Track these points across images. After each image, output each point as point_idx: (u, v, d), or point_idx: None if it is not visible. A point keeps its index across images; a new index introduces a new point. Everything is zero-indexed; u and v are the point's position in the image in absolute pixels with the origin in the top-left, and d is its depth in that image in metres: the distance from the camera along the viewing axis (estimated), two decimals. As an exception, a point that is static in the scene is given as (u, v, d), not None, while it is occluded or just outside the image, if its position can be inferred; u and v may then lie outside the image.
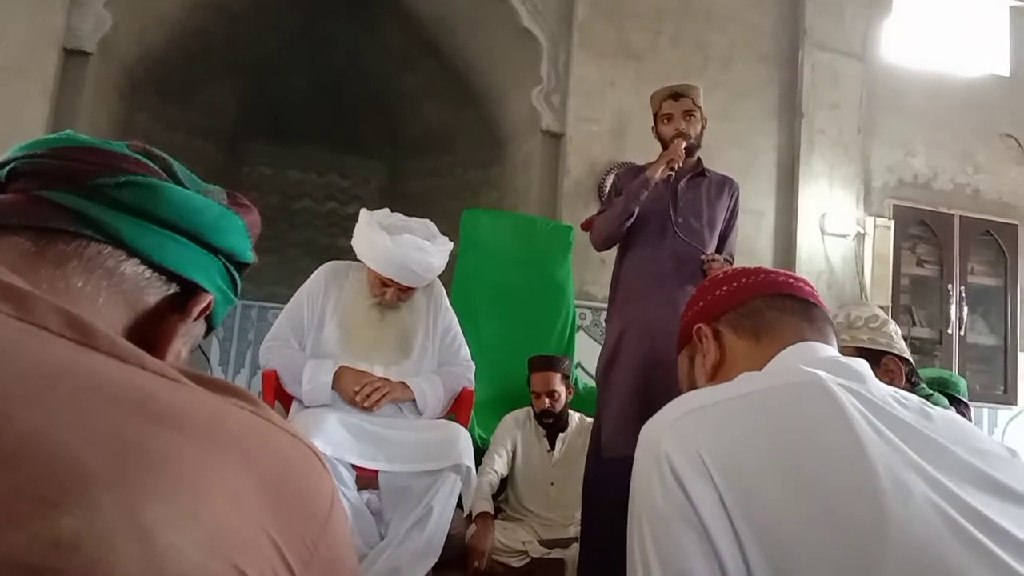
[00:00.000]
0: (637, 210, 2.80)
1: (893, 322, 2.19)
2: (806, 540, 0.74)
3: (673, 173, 2.77)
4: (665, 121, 2.89)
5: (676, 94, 2.89)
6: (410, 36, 5.96)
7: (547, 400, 3.43)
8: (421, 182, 6.65)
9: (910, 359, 2.30)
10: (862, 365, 0.92)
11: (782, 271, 1.12)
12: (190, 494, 0.45)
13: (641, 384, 2.67)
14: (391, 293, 2.69)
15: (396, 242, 2.61)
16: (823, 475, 0.77)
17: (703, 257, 2.75)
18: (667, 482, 0.79)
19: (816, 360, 0.93)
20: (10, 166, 0.63)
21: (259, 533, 0.47)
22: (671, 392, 2.89)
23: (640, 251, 2.85)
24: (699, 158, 2.96)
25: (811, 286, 1.09)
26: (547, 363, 3.49)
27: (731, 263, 2.92)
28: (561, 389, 3.45)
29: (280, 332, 2.77)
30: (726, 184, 2.96)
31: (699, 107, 2.90)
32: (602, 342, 3.02)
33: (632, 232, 2.85)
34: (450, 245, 2.79)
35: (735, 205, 2.96)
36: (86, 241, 0.60)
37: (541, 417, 3.46)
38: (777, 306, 1.04)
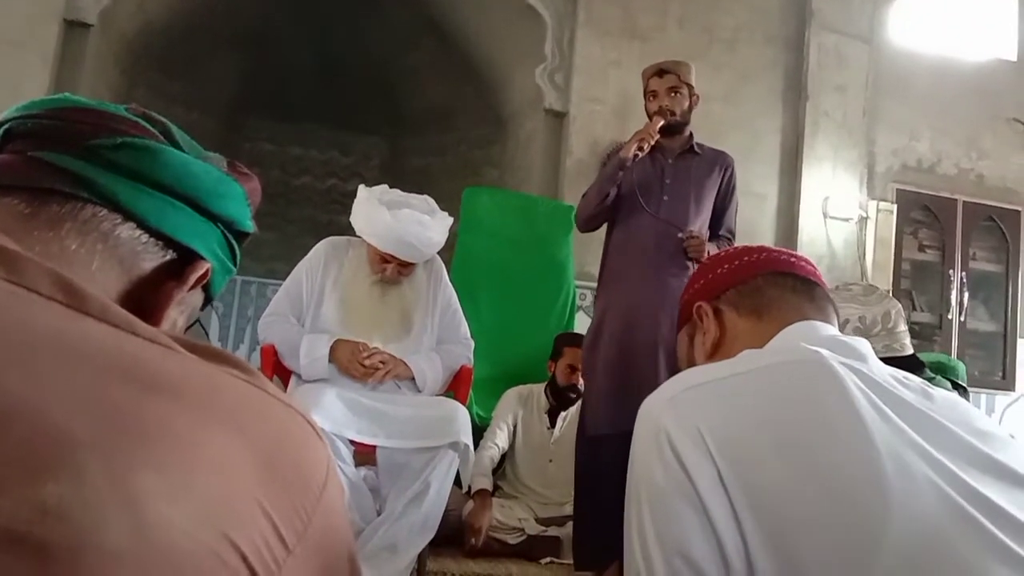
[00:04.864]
0: (614, 191, 2.79)
1: (897, 304, 2.17)
2: (805, 519, 0.74)
3: (641, 152, 2.72)
4: (651, 98, 2.88)
5: (661, 71, 2.87)
6: (413, 12, 5.91)
7: (580, 375, 3.44)
8: (422, 160, 6.63)
9: (912, 351, 2.27)
10: (863, 344, 0.92)
11: (784, 250, 1.11)
12: (181, 463, 0.44)
13: (621, 363, 2.67)
14: (391, 269, 2.68)
15: (395, 217, 2.59)
16: (824, 454, 0.77)
17: (680, 235, 2.72)
18: (666, 458, 0.78)
19: (818, 338, 0.92)
20: (6, 126, 0.62)
21: (252, 504, 0.46)
22: (649, 370, 2.79)
23: (623, 230, 2.84)
24: (691, 134, 2.92)
25: (812, 265, 1.08)
26: (579, 340, 3.51)
27: (731, 240, 2.89)
28: None
29: (278, 307, 2.76)
30: (718, 160, 2.91)
31: (687, 83, 2.86)
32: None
33: (617, 211, 2.84)
34: (450, 220, 2.78)
35: (729, 181, 2.92)
36: (81, 203, 0.59)
37: (567, 391, 3.46)
38: (779, 284, 1.03)
